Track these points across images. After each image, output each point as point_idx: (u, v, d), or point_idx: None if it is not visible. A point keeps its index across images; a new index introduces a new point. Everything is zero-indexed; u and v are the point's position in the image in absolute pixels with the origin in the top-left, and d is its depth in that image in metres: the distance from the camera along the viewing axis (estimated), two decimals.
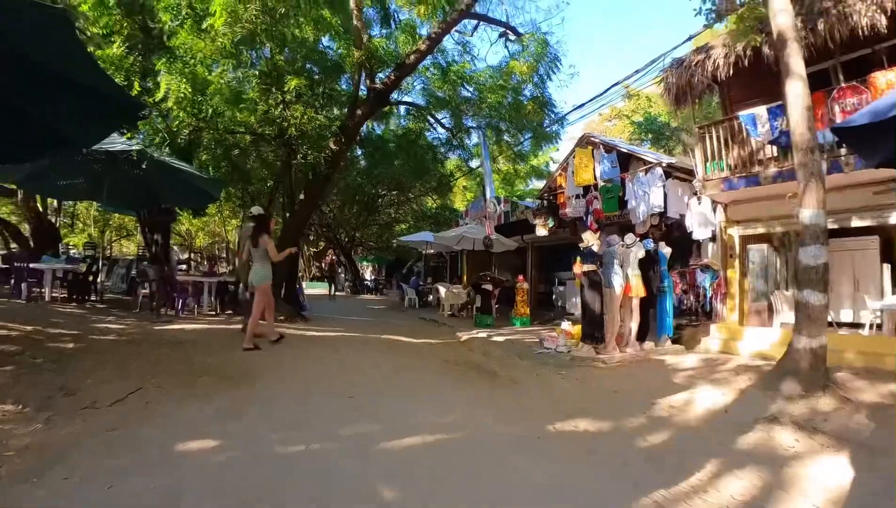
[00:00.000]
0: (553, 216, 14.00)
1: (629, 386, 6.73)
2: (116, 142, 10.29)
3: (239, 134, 10.66)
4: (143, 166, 9.65)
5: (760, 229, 9.85)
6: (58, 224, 22.39)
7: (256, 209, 8.60)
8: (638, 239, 9.48)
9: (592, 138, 13.65)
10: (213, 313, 11.91)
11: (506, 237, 16.33)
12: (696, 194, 10.33)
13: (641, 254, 9.26)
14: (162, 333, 8.33)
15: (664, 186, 11.00)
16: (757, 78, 9.30)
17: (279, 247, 8.50)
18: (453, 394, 5.68)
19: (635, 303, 9.17)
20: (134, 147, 9.40)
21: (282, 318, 11.16)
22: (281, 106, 9.69)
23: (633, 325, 9.22)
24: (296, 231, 12.05)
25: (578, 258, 14.19)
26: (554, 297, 17.60)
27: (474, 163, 17.17)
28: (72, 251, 24.67)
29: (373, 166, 18.13)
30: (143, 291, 11.64)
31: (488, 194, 12.41)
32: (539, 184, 29.65)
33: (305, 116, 9.58)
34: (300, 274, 23.09)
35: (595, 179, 12.46)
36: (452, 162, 18.86)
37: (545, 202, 14.59)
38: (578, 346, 8.87)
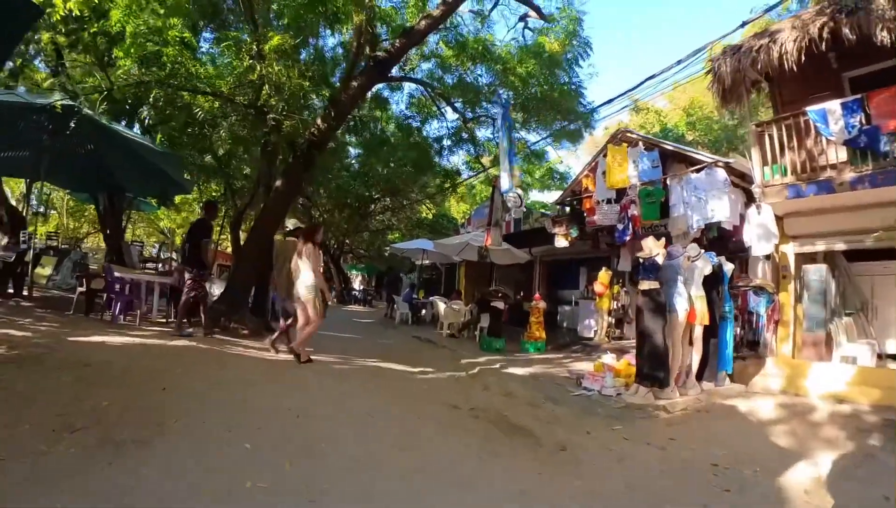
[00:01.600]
0: (577, 225, 11.87)
1: (725, 452, 4.72)
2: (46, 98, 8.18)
3: (201, 95, 8.38)
4: (72, 125, 7.46)
5: (820, 247, 8.17)
6: (24, 211, 20.30)
7: (293, 223, 8.44)
8: (702, 251, 7.45)
9: (629, 134, 11.63)
10: (165, 320, 9.69)
11: (516, 248, 14.18)
12: (754, 202, 8.46)
13: (708, 270, 7.26)
14: (75, 347, 6.12)
15: (727, 192, 9.00)
16: (814, 74, 7.95)
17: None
18: (485, 483, 3.47)
19: (697, 332, 7.22)
20: (58, 100, 7.20)
21: (245, 332, 8.96)
22: (254, 59, 7.42)
23: (695, 359, 7.20)
24: (271, 224, 9.82)
25: (602, 273, 12.28)
26: (559, 318, 15.49)
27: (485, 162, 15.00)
28: (34, 241, 22.36)
29: (368, 155, 15.77)
30: (81, 289, 9.48)
31: (504, 184, 9.94)
32: (548, 197, 27.74)
33: (284, 73, 7.33)
34: None
35: (630, 181, 10.42)
36: (457, 160, 16.65)
37: (567, 208, 12.49)
38: (631, 388, 6.71)
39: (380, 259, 30.64)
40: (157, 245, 35.50)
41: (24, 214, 19.33)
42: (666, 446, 4.94)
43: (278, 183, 9.53)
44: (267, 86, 7.42)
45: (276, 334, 7.79)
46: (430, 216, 27.21)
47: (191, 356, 6.44)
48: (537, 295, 12.22)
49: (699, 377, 7.34)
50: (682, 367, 7.01)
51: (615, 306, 12.51)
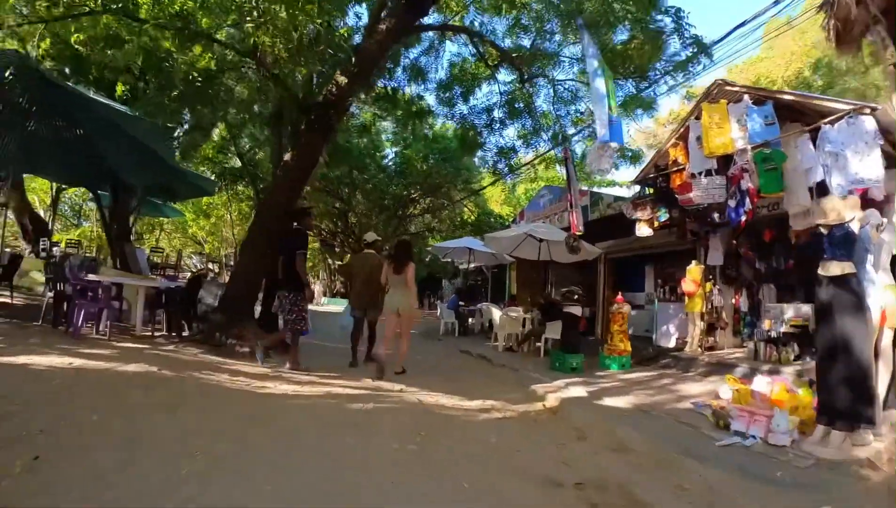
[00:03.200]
0: (664, 207, 9.40)
1: None
2: None
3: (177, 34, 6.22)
4: (8, 75, 5.56)
5: None
6: (48, 218, 19.30)
7: (371, 236, 8.20)
8: (885, 220, 5.10)
9: (727, 87, 9.09)
10: (151, 333, 7.70)
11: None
12: None
13: None
14: None
15: (879, 146, 6.52)
16: None
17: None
18: None
19: (887, 339, 4.75)
20: None
21: (244, 350, 6.85)
22: None
23: (884, 379, 4.72)
24: (281, 206, 7.66)
25: (693, 267, 9.76)
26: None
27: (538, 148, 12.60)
28: (54, 249, 21.26)
29: (403, 126, 13.39)
30: (50, 294, 7.67)
31: (600, 130, 7.16)
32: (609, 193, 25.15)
33: None
34: (313, 285, 19.04)
35: (735, 145, 7.97)
36: (511, 133, 14.18)
37: (648, 190, 10.02)
38: (815, 433, 4.28)
39: (420, 265, 28.59)
40: (191, 254, 34.30)
41: (49, 222, 18.44)
42: None
43: (287, 156, 7.40)
44: (251, 17, 5.25)
45: (356, 352, 7.58)
46: (474, 217, 24.96)
47: (134, 389, 4.28)
48: (619, 296, 9.75)
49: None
50: None
51: (707, 309, 9.98)
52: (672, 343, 10.67)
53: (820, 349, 4.48)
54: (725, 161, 8.20)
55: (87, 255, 18.06)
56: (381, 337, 7.21)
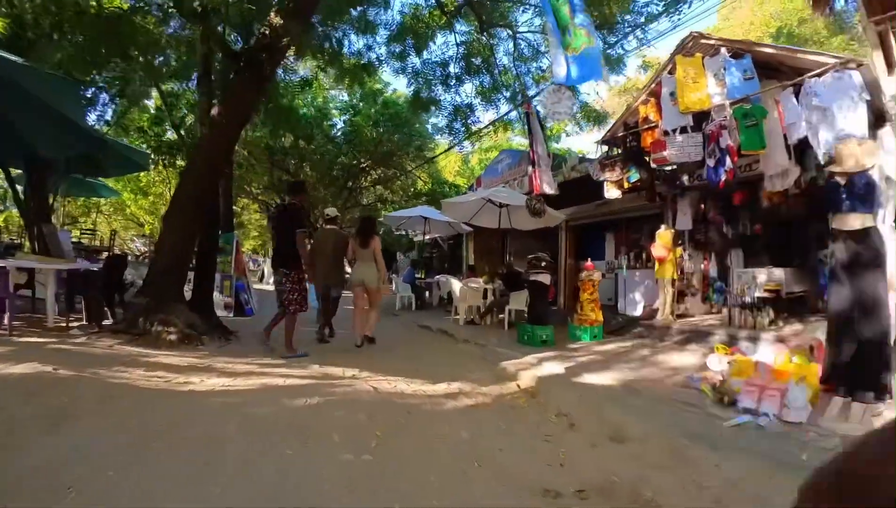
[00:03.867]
0: (635, 166, 8.81)
1: None
2: None
3: None
4: None
5: None
6: None
7: (332, 211, 7.82)
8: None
9: (703, 40, 8.51)
10: (65, 324, 6.65)
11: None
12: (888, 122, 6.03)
13: None
14: None
15: (865, 101, 6.08)
16: None
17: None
18: None
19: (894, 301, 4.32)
20: None
21: (172, 338, 5.93)
22: None
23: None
24: (208, 166, 6.73)
25: (663, 231, 9.26)
26: None
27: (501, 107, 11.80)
28: None
29: (349, 84, 12.36)
30: None
31: (557, 70, 6.20)
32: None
33: None
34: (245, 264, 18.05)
35: (712, 100, 7.45)
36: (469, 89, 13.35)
37: (620, 148, 9.40)
38: (830, 405, 3.74)
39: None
40: (133, 237, 32.39)
41: None
42: None
43: (215, 111, 6.41)
44: None
45: (323, 329, 7.55)
46: (428, 187, 24.16)
47: (13, 398, 3.37)
48: (589, 263, 9.14)
49: None
50: None
51: (678, 275, 9.52)
52: (639, 311, 10.21)
53: (836, 312, 3.92)
54: (699, 118, 7.70)
55: (13, 240, 16.48)
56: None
